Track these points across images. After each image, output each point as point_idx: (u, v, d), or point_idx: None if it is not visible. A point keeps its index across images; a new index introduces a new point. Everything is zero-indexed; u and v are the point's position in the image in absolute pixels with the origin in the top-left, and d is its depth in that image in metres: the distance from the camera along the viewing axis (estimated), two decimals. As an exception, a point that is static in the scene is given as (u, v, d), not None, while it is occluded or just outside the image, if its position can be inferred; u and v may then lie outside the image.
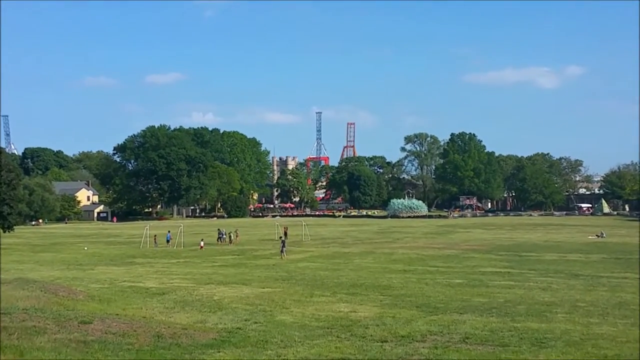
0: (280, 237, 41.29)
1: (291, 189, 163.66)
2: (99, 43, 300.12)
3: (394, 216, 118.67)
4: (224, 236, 52.36)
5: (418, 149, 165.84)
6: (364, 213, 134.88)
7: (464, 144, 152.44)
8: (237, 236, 53.43)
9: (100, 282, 24.90)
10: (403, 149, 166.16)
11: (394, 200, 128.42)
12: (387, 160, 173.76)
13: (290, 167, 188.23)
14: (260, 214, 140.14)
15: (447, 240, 52.25)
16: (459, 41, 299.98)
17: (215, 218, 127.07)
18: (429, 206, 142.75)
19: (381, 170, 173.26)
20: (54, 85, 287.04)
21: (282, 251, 37.45)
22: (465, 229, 73.53)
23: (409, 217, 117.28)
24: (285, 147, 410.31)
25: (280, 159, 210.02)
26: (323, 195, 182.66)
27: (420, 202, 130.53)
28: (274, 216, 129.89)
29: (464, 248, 43.56)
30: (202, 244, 46.64)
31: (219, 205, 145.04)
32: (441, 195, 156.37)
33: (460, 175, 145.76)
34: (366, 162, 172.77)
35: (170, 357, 11.48)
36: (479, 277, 25.97)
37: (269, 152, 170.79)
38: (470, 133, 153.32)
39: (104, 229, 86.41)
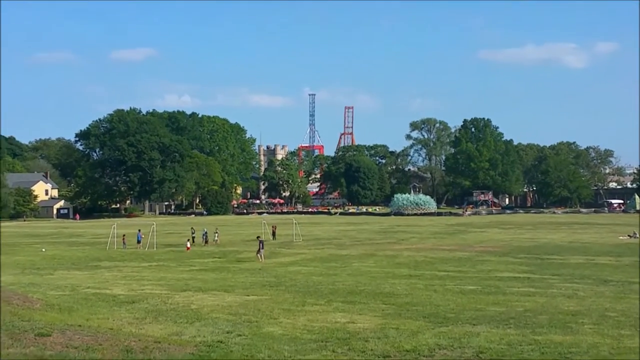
0: (258, 237, 41.45)
1: (280, 182, 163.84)
2: (54, 11, 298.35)
3: (397, 213, 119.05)
4: (204, 236, 52.47)
5: (426, 136, 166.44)
6: (364, 210, 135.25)
7: (478, 131, 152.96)
8: (217, 236, 53.42)
9: (61, 289, 24.85)
10: (408, 137, 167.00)
11: (398, 196, 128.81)
12: (391, 150, 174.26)
13: (279, 157, 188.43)
14: (245, 211, 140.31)
15: (458, 241, 52.43)
16: (472, 12, 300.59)
17: (193, 215, 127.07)
18: (438, 202, 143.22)
19: (383, 161, 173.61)
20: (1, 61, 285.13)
21: (259, 253, 37.58)
22: (479, 228, 73.85)
23: (415, 214, 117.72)
24: (274, 134, 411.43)
25: (267, 147, 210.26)
26: (317, 189, 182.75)
27: (428, 197, 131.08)
28: (260, 213, 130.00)
29: (478, 250, 43.76)
30: (188, 244, 46.57)
31: (198, 200, 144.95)
32: (452, 190, 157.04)
33: (473, 166, 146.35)
34: (366, 152, 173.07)
35: (141, 374, 11.47)
36: (495, 283, 26.09)
37: (254, 140, 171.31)
38: (485, 119, 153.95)
39: (65, 227, 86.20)
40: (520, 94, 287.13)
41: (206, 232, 53.14)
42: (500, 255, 39.52)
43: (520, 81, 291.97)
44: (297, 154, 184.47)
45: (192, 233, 53.92)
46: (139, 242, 49.54)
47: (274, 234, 56.88)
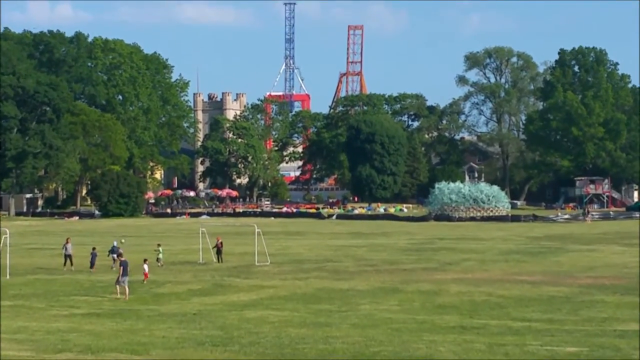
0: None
1: (232, 159, 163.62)
2: None
3: (441, 217, 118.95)
4: (111, 253, 52.65)
5: (492, 80, 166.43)
6: (382, 210, 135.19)
7: (585, 72, 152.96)
8: (119, 256, 53.26)
9: None
10: (461, 81, 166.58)
11: (443, 186, 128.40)
12: (430, 104, 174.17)
13: (230, 114, 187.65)
14: (169, 211, 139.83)
15: (549, 267, 52.56)
16: None
17: (76, 217, 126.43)
18: (514, 197, 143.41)
19: (416, 124, 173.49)
20: None
21: (118, 282, 38.26)
22: (585, 244, 73.89)
23: (472, 219, 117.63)
24: (221, 75, 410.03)
25: (210, 97, 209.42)
26: (297, 172, 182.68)
27: (497, 188, 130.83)
28: (197, 215, 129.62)
29: (584, 283, 43.86)
30: (146, 268, 45.79)
31: (85, 192, 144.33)
32: (538, 176, 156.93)
33: (577, 134, 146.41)
34: (386, 107, 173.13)
35: None
36: (613, 343, 26.15)
37: (187, 85, 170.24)
38: (597, 49, 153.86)
39: None
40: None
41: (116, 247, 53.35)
42: (623, 293, 39.59)
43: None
44: (262, 109, 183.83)
45: (66, 250, 53.60)
46: None
47: (219, 251, 56.65)
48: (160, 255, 53.93)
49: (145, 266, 45.48)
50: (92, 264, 51.43)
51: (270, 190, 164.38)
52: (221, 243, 57.79)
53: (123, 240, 60.40)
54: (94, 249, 53.08)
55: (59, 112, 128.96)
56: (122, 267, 38.92)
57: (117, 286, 38.42)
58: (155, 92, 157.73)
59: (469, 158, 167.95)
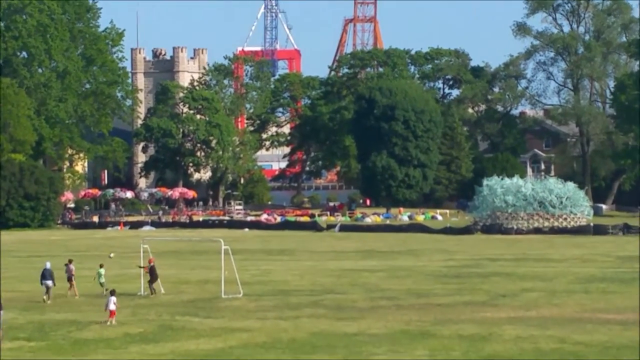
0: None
1: (188, 144, 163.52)
2: None
3: (492, 228, 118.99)
4: (45, 281, 52.97)
5: (566, 29, 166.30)
6: (405, 218, 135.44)
7: None
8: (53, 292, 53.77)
9: None
10: (521, 30, 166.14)
11: (494, 183, 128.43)
12: (474, 65, 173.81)
13: (185, 79, 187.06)
14: (95, 220, 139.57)
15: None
16: None
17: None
18: (599, 199, 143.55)
19: (456, 93, 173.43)
20: None
21: None
22: None
23: (536, 230, 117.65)
24: (171, 24, 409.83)
25: (155, 55, 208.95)
26: (283, 164, 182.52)
27: (572, 185, 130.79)
28: (136, 225, 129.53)
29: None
30: (113, 303, 45.70)
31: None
32: (632, 170, 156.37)
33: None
34: (412, 67, 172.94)
35: None
36: None
37: (122, 36, 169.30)
38: None
39: None
40: None
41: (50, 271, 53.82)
42: None
43: None
44: (232, 71, 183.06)
45: None
46: None
47: (153, 276, 56.50)
48: (103, 279, 54.23)
49: (113, 299, 45.59)
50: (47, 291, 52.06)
51: (244, 190, 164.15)
52: (151, 268, 57.37)
53: (112, 255, 60.46)
54: None
55: None
56: None
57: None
58: (75, 47, 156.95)
59: (532, 142, 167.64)
